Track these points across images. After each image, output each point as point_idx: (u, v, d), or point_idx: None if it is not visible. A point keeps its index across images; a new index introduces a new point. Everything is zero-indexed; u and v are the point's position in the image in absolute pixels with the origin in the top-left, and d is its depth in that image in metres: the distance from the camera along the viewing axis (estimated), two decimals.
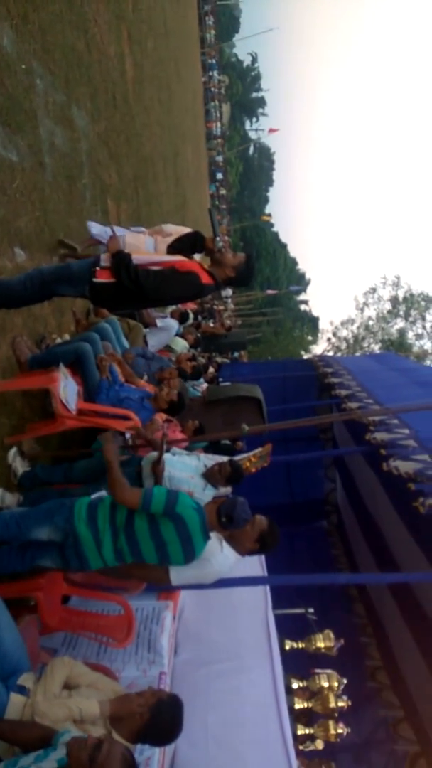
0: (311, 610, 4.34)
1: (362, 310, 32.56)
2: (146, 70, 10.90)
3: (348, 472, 7.71)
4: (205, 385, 8.03)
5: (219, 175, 53.10)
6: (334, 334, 34.72)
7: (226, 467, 3.55)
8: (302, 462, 8.12)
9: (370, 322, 32.04)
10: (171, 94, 16.37)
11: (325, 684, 3.85)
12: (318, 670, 3.91)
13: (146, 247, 3.53)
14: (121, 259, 2.97)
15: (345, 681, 3.87)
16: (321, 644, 3.97)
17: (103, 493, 3.02)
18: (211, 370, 10.52)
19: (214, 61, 54.31)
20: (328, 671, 3.87)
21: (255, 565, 4.02)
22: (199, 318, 14.71)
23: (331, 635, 4.02)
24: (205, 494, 3.53)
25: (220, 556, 2.72)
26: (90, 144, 6.06)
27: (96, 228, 3.59)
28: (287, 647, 4.01)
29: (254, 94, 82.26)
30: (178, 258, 3.13)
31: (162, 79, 13.98)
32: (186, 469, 3.52)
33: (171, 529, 2.40)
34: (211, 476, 3.57)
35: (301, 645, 4.02)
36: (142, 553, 2.45)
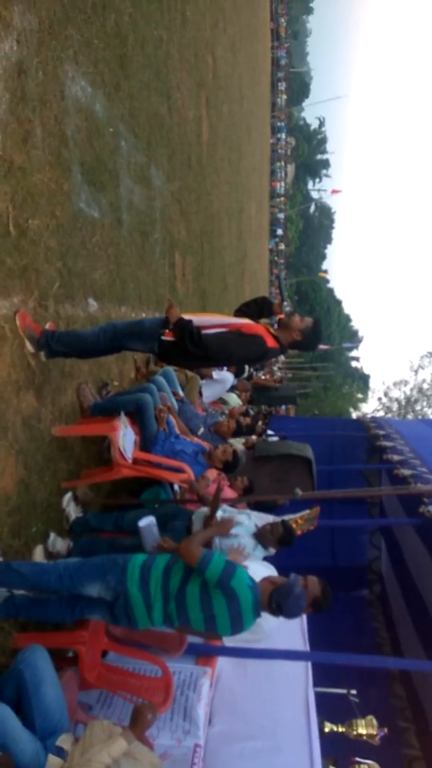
0: (354, 691, 4.09)
1: (416, 372, 32.03)
2: (220, 132, 11.44)
3: (395, 541, 7.39)
4: (254, 439, 7.97)
5: (279, 231, 54.27)
6: (386, 394, 34.16)
7: (279, 528, 3.49)
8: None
9: (425, 386, 31.42)
10: (241, 154, 17.06)
11: None
12: (359, 759, 3.65)
13: None
14: (182, 327, 3.04)
15: None
16: (363, 731, 3.71)
17: (151, 518, 2.99)
18: (260, 423, 10.46)
19: (282, 124, 56.55)
20: (370, 762, 3.61)
21: (297, 637, 3.86)
22: (251, 369, 14.79)
23: (374, 722, 3.77)
24: (255, 555, 3.46)
25: (272, 619, 2.66)
26: (164, 202, 6.35)
27: None
28: (326, 729, 3.78)
29: (319, 156, 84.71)
30: (244, 321, 3.19)
31: (234, 140, 14.61)
32: (236, 528, 3.47)
33: (223, 603, 2.36)
34: (262, 537, 3.50)
35: (341, 729, 3.77)
36: (191, 620, 2.42)
